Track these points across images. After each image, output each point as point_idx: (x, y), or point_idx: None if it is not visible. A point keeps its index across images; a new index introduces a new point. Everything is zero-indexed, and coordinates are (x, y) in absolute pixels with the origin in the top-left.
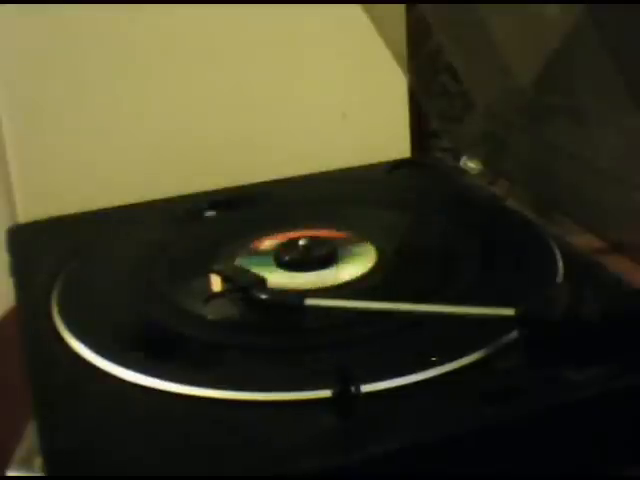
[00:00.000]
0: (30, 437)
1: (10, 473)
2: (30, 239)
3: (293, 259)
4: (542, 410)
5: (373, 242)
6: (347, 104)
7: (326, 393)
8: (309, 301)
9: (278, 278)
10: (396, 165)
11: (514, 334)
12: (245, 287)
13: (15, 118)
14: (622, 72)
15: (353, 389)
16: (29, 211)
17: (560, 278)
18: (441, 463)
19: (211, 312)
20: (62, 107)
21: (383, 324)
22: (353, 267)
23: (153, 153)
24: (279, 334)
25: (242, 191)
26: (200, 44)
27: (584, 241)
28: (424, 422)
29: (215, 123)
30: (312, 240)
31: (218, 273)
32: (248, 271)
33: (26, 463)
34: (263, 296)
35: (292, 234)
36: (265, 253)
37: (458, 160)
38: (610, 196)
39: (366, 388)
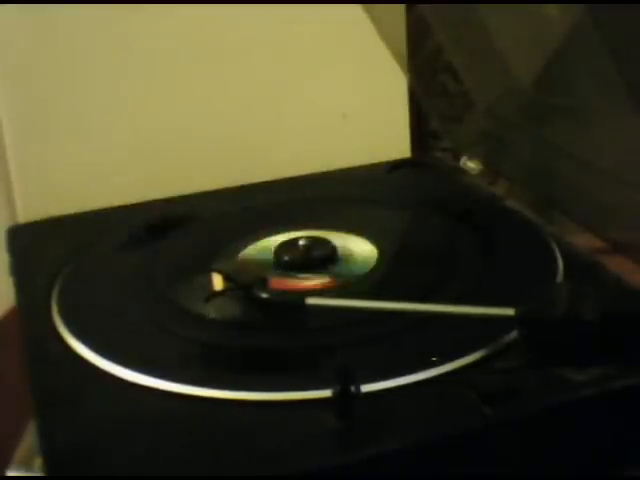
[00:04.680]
0: (30, 437)
1: (10, 473)
2: (30, 239)
3: (293, 259)
4: (542, 410)
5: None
6: (347, 104)
7: (326, 393)
8: (310, 300)
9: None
10: (396, 165)
11: (514, 334)
12: (246, 286)
13: (15, 118)
14: (622, 72)
15: (353, 389)
16: (29, 211)
17: (560, 278)
18: (441, 463)
19: (212, 311)
20: (62, 107)
21: (383, 324)
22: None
23: (153, 153)
24: (280, 333)
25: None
26: (200, 44)
27: (584, 241)
28: (424, 422)
29: (215, 123)
30: (312, 240)
31: (219, 272)
32: (249, 270)
33: (26, 463)
34: (264, 295)
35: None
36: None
37: (458, 160)
38: (610, 196)
39: (366, 388)
